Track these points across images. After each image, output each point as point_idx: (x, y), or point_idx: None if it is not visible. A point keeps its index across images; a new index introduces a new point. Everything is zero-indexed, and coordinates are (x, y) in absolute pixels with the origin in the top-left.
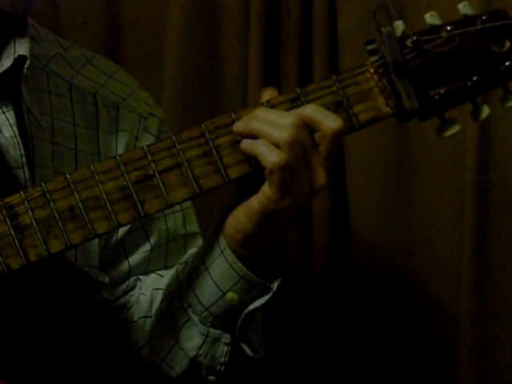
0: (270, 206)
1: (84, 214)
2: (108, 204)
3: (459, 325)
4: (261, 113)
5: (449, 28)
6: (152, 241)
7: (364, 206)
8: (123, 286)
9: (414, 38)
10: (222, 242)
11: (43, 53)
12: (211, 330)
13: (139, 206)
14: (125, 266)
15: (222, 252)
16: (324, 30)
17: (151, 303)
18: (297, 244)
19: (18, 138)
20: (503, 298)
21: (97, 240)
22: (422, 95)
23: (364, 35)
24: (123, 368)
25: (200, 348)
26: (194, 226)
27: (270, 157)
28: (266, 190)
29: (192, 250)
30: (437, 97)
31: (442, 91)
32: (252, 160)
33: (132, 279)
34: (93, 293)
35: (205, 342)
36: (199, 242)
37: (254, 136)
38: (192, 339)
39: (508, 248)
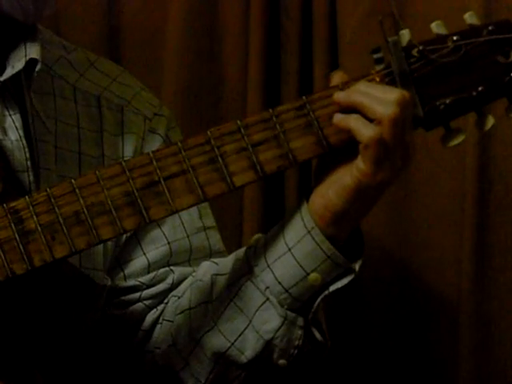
0: (363, 182)
1: (89, 219)
2: (113, 210)
3: (459, 325)
4: (363, 87)
5: (455, 38)
6: (167, 233)
7: None
8: (149, 276)
9: (420, 47)
10: (309, 222)
11: (48, 56)
12: (288, 312)
13: (144, 212)
14: (143, 260)
15: (308, 232)
16: (324, 31)
17: (211, 289)
18: None
19: (24, 142)
20: (503, 298)
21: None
22: (428, 105)
23: (364, 35)
24: (131, 369)
25: (277, 331)
26: (210, 220)
27: (366, 131)
28: (360, 165)
29: (257, 236)
30: (442, 106)
31: (448, 101)
32: (257, 167)
33: (162, 270)
34: (95, 296)
35: (283, 324)
36: (217, 236)
37: (352, 109)
38: (268, 321)
39: (508, 248)
